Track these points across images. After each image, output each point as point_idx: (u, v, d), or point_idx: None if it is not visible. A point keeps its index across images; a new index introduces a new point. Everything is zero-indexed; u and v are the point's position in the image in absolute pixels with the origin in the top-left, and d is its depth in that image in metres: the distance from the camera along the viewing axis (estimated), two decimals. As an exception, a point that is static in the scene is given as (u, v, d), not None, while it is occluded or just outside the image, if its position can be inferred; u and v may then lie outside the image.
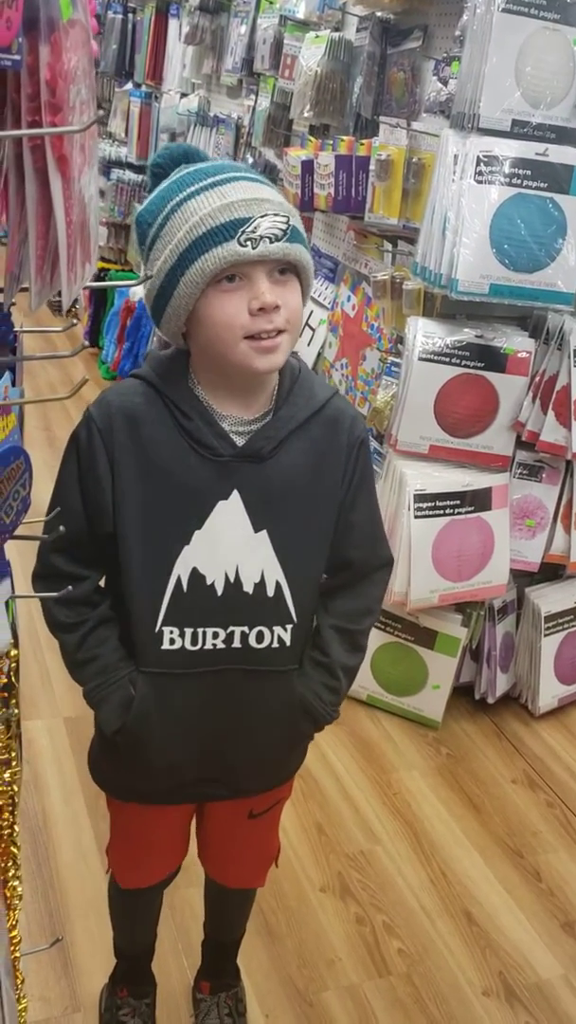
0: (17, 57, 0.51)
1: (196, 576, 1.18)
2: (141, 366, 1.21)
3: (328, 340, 2.92)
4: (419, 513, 2.31)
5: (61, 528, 0.94)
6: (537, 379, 2.30)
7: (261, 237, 1.03)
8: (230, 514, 1.17)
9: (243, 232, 1.03)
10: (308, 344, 3.00)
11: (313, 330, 2.99)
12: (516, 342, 2.28)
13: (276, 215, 1.05)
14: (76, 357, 5.40)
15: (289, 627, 1.23)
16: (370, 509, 1.30)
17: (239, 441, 1.16)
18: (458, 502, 2.34)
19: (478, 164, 2.09)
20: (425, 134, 2.33)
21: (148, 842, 1.44)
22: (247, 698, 1.25)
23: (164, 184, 1.11)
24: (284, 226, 1.05)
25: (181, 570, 1.17)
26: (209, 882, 1.59)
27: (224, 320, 1.07)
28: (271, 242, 1.04)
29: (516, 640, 2.65)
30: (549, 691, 2.63)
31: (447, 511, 2.33)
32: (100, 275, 4.99)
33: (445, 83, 2.30)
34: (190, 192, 1.06)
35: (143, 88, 5.00)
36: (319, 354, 2.95)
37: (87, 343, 4.76)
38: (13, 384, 0.71)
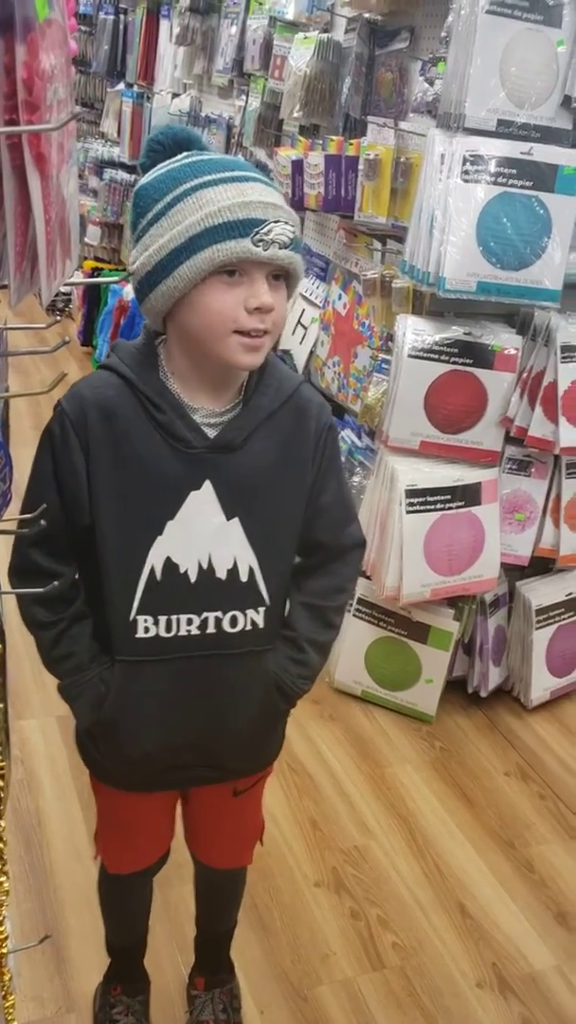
0: (-7, 58, 0.53)
1: (169, 565, 1.20)
2: (110, 356, 1.22)
3: (320, 338, 2.93)
4: (410, 508, 2.32)
5: (43, 523, 0.96)
6: (525, 375, 2.32)
7: (272, 241, 1.07)
8: (202, 503, 1.19)
9: (258, 232, 1.06)
10: (300, 342, 3.02)
11: (305, 328, 3.01)
12: (503, 339, 2.30)
13: (286, 223, 1.09)
14: (70, 356, 5.41)
15: (262, 610, 1.26)
16: (339, 492, 1.33)
17: (210, 432, 1.19)
18: (449, 497, 2.35)
19: (464, 163, 2.11)
20: (412, 134, 2.35)
21: (135, 824, 1.45)
22: (222, 681, 1.28)
23: (172, 165, 1.12)
24: (292, 235, 1.10)
25: (155, 560, 1.20)
26: (198, 867, 1.60)
27: (220, 311, 1.09)
28: (279, 248, 1.08)
29: (508, 634, 2.67)
30: (541, 684, 2.65)
31: (438, 506, 2.34)
32: (93, 275, 5.00)
33: (431, 83, 2.31)
34: (207, 180, 1.08)
35: (135, 88, 5.01)
36: (311, 352, 2.97)
37: (68, 340, 4.77)
38: (-5, 379, 0.73)
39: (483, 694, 2.64)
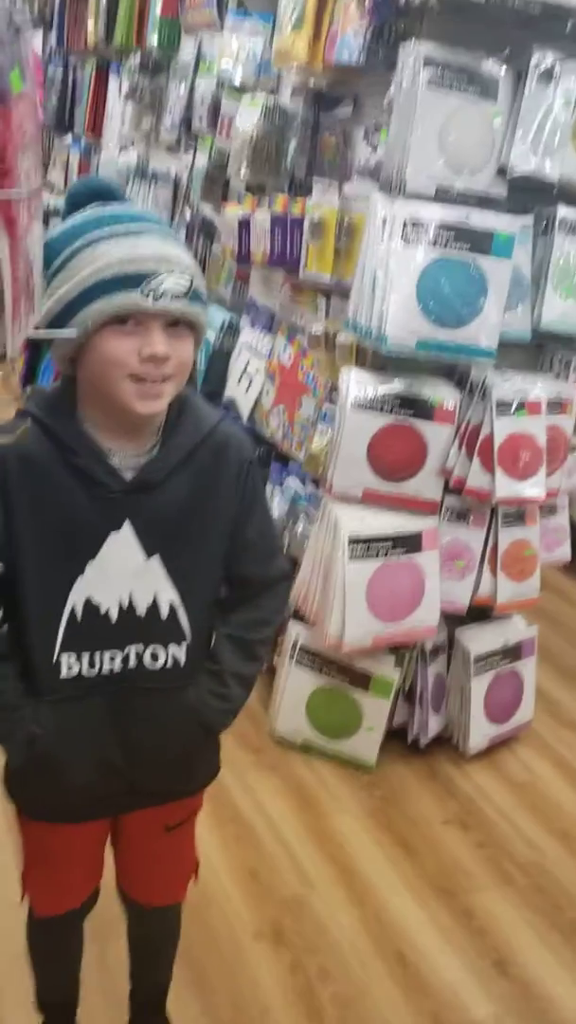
0: (-30, 127, 0.56)
1: (90, 606, 1.23)
2: (27, 401, 1.25)
3: (265, 388, 2.98)
4: (353, 556, 2.36)
5: (1, 566, 0.96)
6: (462, 428, 2.39)
7: (164, 292, 1.11)
8: (122, 544, 1.22)
9: (147, 284, 1.11)
10: (246, 391, 3.06)
11: (251, 378, 3.06)
12: (443, 393, 2.37)
13: (181, 274, 1.13)
14: (12, 401, 5.40)
15: (183, 645, 1.29)
16: (263, 526, 1.37)
17: (128, 475, 1.22)
18: (390, 545, 2.40)
19: (405, 227, 2.19)
20: (356, 197, 2.43)
21: (64, 859, 1.44)
22: (144, 714, 1.31)
23: (78, 217, 1.17)
24: (187, 286, 1.14)
25: (75, 600, 1.23)
26: (131, 908, 1.58)
27: (114, 359, 1.13)
28: (171, 298, 1.12)
29: (447, 681, 2.71)
30: (480, 732, 2.69)
31: (380, 554, 2.39)
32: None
33: (374, 149, 2.41)
34: (102, 234, 1.13)
35: (83, 141, 5.08)
36: (257, 401, 3.02)
37: (28, 390, 4.77)
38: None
39: (423, 743, 2.66)
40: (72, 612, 1.22)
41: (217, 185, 3.43)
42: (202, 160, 3.51)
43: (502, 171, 2.27)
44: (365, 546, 2.38)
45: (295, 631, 2.59)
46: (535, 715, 2.87)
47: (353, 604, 2.38)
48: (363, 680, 2.55)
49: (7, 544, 1.19)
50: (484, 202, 2.27)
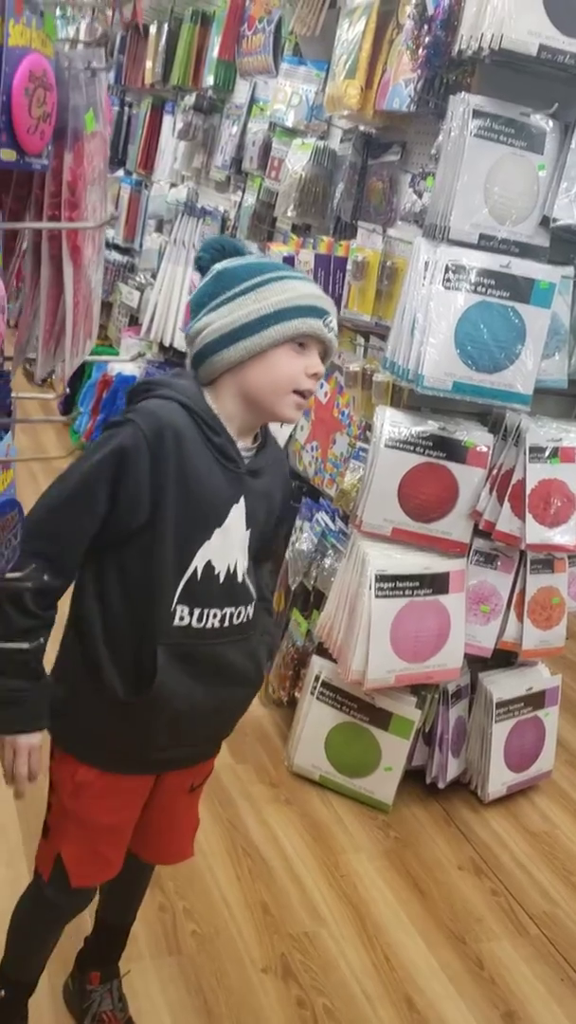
0: (46, 162, 0.59)
1: (208, 567, 1.44)
2: (158, 389, 1.42)
3: (300, 423, 3.02)
4: (380, 593, 2.37)
5: (46, 577, 1.06)
6: (495, 472, 2.41)
7: (332, 327, 1.43)
8: (238, 516, 1.45)
9: (326, 319, 1.42)
10: (280, 426, 3.09)
11: (285, 414, 3.09)
12: (476, 436, 2.39)
13: (335, 319, 1.45)
14: (49, 424, 5.44)
15: (252, 604, 1.52)
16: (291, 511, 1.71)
17: (245, 460, 1.47)
18: (417, 584, 2.41)
19: (446, 272, 2.23)
20: (399, 240, 2.48)
21: (109, 820, 1.52)
22: (228, 661, 1.50)
23: (252, 259, 1.46)
24: (337, 328, 1.46)
25: (199, 561, 1.42)
26: (132, 865, 1.65)
27: (289, 372, 1.40)
28: (334, 335, 1.44)
29: (468, 725, 2.69)
30: (499, 778, 2.67)
31: (406, 592, 2.40)
32: (79, 349, 5.09)
33: (420, 195, 2.46)
34: (290, 275, 1.43)
35: (134, 176, 5.21)
36: (291, 436, 3.05)
37: (81, 410, 4.85)
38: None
39: (441, 785, 2.65)
40: (194, 571, 1.41)
41: (264, 224, 3.50)
42: (250, 199, 3.59)
43: (545, 221, 2.30)
44: (392, 584, 2.39)
45: (318, 666, 2.60)
46: (555, 766, 2.85)
47: (377, 641, 2.39)
48: (383, 719, 2.55)
49: (153, 507, 1.36)
50: (526, 251, 2.31)
